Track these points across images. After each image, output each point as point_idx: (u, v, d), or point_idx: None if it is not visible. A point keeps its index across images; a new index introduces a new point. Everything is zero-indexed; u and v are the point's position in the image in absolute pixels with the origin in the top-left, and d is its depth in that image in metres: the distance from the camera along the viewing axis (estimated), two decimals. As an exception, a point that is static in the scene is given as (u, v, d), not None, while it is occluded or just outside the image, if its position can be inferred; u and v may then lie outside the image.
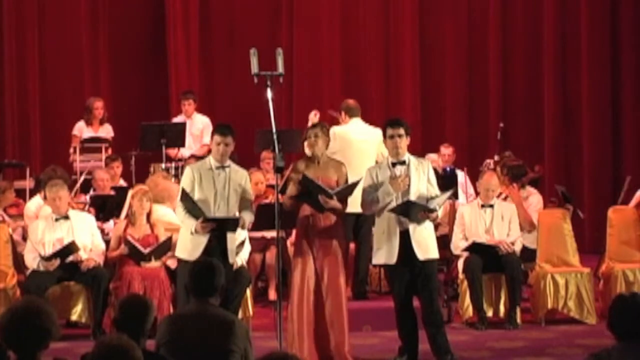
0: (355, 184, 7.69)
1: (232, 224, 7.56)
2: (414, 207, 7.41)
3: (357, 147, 9.35)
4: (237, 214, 7.64)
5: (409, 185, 7.44)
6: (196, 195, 7.56)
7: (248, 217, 7.70)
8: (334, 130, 9.43)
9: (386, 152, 9.44)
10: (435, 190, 7.54)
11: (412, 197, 7.43)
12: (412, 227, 7.43)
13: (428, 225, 7.50)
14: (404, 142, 7.54)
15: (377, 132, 9.53)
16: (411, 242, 7.42)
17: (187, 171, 7.76)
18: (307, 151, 7.86)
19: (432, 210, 7.42)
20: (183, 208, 7.59)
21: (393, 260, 7.45)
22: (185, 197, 7.55)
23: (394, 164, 7.54)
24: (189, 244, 7.58)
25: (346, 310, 7.67)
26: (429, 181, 7.53)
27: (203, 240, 7.52)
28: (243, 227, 7.72)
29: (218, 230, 7.52)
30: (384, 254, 7.50)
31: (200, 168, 7.71)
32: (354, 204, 9.09)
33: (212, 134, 7.80)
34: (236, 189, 7.62)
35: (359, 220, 9.26)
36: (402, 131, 7.52)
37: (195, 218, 7.49)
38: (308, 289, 7.56)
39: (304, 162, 7.76)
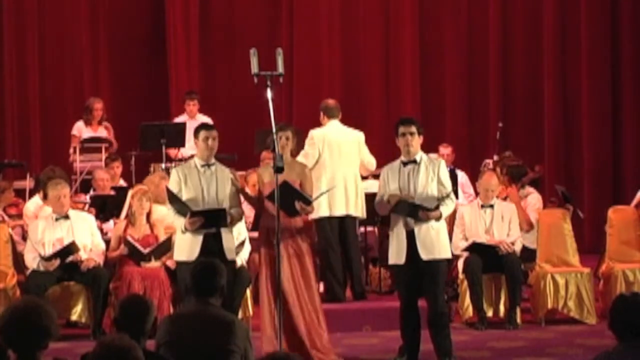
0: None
1: (220, 216, 7.52)
2: (411, 207, 7.40)
3: (337, 150, 9.26)
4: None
5: (415, 187, 7.42)
6: (184, 196, 7.56)
7: (234, 213, 7.67)
8: (312, 133, 9.37)
9: (369, 158, 9.46)
10: (447, 189, 7.50)
11: (418, 198, 7.41)
12: (417, 228, 7.41)
13: (435, 225, 7.44)
14: (416, 140, 7.51)
15: (357, 134, 9.48)
16: (416, 242, 7.41)
17: (173, 173, 7.79)
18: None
19: (430, 209, 7.40)
20: (173, 209, 7.60)
21: (402, 260, 7.45)
22: (173, 198, 7.55)
23: (405, 163, 7.53)
24: (186, 245, 7.56)
25: (322, 314, 7.70)
26: (439, 181, 7.49)
27: (198, 239, 7.50)
28: (232, 223, 7.68)
29: (207, 225, 7.50)
30: (394, 254, 7.51)
31: (185, 168, 7.74)
32: (335, 207, 9.09)
33: (198, 131, 7.75)
34: (223, 186, 7.63)
35: (341, 223, 9.24)
36: (413, 129, 7.50)
37: (184, 216, 7.50)
38: (282, 291, 7.51)
39: (268, 165, 7.81)
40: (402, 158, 7.55)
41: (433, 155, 10.94)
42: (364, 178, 9.74)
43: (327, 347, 7.64)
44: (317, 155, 9.21)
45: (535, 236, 9.52)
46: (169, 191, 7.63)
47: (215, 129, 7.77)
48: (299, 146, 8.56)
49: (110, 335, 4.30)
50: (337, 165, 9.20)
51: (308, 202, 7.57)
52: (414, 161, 7.50)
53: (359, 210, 9.29)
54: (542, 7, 13.65)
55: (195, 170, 7.64)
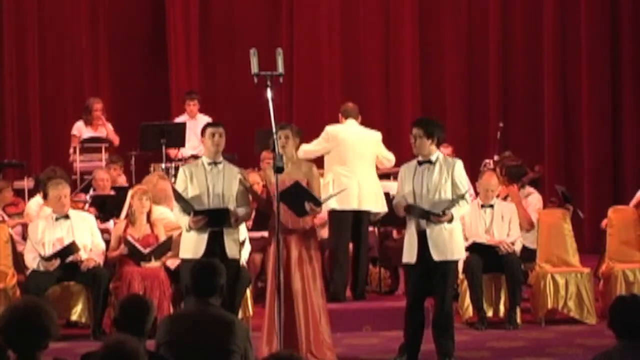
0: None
1: (224, 215, 7.54)
2: (421, 211, 7.41)
3: (351, 147, 9.30)
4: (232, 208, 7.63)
5: (427, 187, 7.43)
6: (190, 193, 7.59)
7: (241, 212, 7.69)
8: (327, 129, 9.44)
9: (386, 154, 9.52)
10: (461, 191, 7.50)
11: (430, 198, 7.42)
12: (429, 228, 7.42)
13: (449, 226, 7.44)
14: (423, 143, 7.49)
15: (374, 134, 9.52)
16: (427, 243, 7.43)
17: (180, 171, 7.84)
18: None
19: (439, 215, 7.39)
20: (178, 208, 7.62)
21: (413, 260, 7.49)
22: (178, 196, 7.58)
23: (420, 163, 7.54)
24: (191, 243, 7.58)
25: (326, 314, 7.71)
26: (453, 182, 7.48)
27: (204, 237, 7.52)
28: (237, 221, 7.69)
29: (211, 223, 7.51)
30: (406, 253, 7.55)
31: (192, 166, 7.79)
32: (350, 201, 9.10)
33: (204, 129, 7.80)
34: (230, 185, 7.64)
35: (355, 218, 9.25)
36: (418, 132, 7.50)
37: (189, 215, 7.52)
38: (285, 291, 7.52)
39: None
40: (419, 158, 7.57)
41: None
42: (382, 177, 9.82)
43: (323, 351, 7.62)
44: (327, 150, 9.25)
45: (535, 236, 9.52)
46: (174, 189, 7.69)
47: (221, 126, 7.78)
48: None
49: (116, 335, 4.28)
50: (352, 162, 9.23)
51: (318, 202, 7.58)
52: (430, 161, 7.51)
53: (378, 205, 9.28)
54: (542, 7, 13.65)
55: (201, 168, 7.67)
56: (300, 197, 7.49)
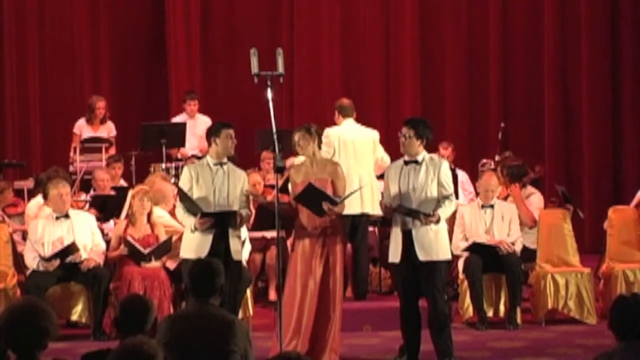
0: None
1: (231, 218, 7.55)
2: (409, 210, 7.41)
3: (352, 148, 9.27)
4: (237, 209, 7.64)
5: (414, 187, 7.43)
6: (195, 194, 7.57)
7: (245, 215, 7.69)
8: (328, 132, 9.37)
9: (384, 155, 9.51)
10: (448, 191, 7.49)
11: (416, 198, 7.42)
12: (415, 228, 7.42)
13: (434, 227, 7.42)
14: (412, 143, 7.49)
15: (372, 132, 9.52)
16: (413, 242, 7.42)
17: (185, 170, 7.82)
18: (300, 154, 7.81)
19: (427, 215, 7.39)
20: (182, 208, 7.60)
21: (397, 259, 7.48)
22: (183, 196, 7.57)
23: (406, 163, 7.54)
24: (194, 243, 7.56)
25: (341, 310, 7.68)
26: (439, 183, 7.47)
27: (208, 238, 7.51)
28: (242, 223, 7.70)
29: (217, 225, 7.51)
30: (392, 252, 7.54)
31: (197, 167, 7.76)
32: (350, 205, 9.11)
33: (219, 130, 7.72)
34: (235, 186, 7.63)
35: (354, 221, 9.23)
36: (408, 131, 7.50)
37: (194, 216, 7.51)
38: (304, 289, 7.54)
39: (299, 164, 7.82)
40: (405, 157, 7.56)
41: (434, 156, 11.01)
42: (379, 177, 9.78)
43: (326, 350, 7.63)
44: (332, 153, 9.24)
45: (536, 236, 9.52)
46: (179, 189, 7.66)
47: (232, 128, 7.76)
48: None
49: (137, 338, 4.25)
50: (352, 164, 9.20)
51: (334, 202, 7.56)
52: (416, 161, 7.50)
53: (375, 208, 9.27)
54: (542, 8, 13.65)
55: (207, 169, 7.65)
56: (315, 197, 7.49)
